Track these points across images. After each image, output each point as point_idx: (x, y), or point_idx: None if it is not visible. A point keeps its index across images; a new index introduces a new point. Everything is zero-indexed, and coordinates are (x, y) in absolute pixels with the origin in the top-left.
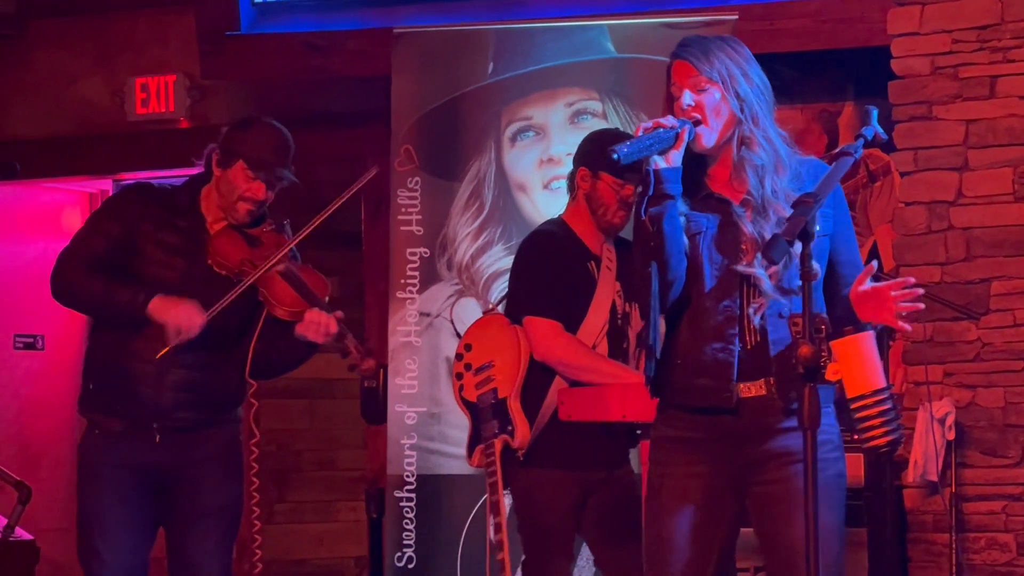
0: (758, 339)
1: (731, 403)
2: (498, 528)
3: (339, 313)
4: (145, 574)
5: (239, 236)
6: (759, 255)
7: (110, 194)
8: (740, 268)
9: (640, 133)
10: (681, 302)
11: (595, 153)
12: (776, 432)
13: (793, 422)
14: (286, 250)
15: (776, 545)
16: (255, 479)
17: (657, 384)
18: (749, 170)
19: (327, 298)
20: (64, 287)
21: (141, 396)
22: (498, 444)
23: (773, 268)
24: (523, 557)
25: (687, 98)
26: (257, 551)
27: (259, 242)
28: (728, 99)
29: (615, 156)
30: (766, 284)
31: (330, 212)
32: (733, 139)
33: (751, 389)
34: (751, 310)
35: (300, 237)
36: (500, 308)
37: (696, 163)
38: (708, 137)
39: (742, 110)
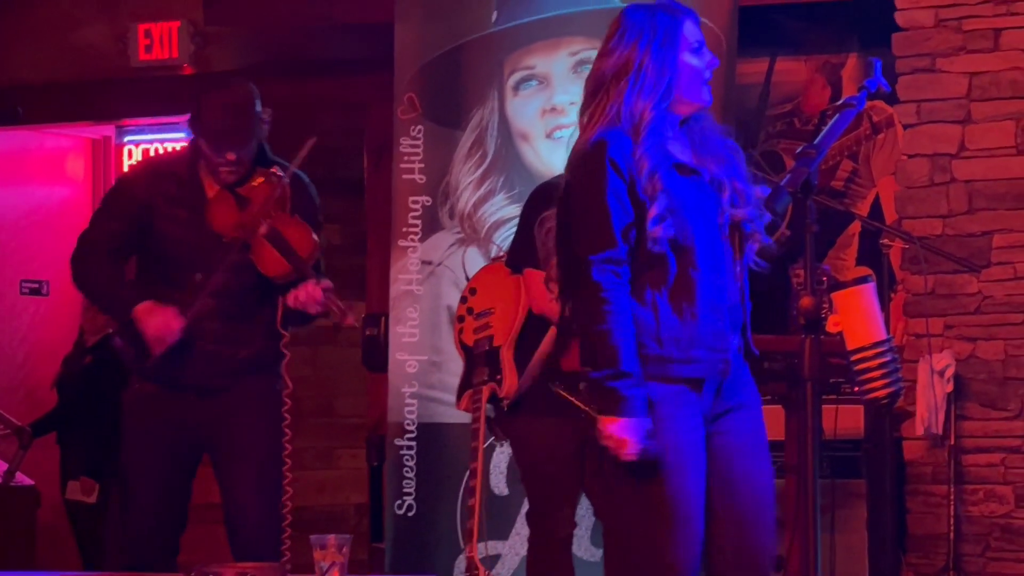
0: (739, 286)
1: (725, 347)
2: (473, 474)
3: (326, 283)
4: (177, 519)
5: (231, 199)
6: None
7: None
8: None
9: None
10: (678, 256)
11: None
12: (736, 385)
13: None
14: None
15: (736, 492)
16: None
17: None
18: None
19: (311, 253)
20: (77, 273)
21: (174, 364)
22: (485, 392)
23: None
24: (526, 506)
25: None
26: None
27: (248, 201)
28: None
29: None
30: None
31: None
32: None
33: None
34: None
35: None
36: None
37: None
38: None
39: None
